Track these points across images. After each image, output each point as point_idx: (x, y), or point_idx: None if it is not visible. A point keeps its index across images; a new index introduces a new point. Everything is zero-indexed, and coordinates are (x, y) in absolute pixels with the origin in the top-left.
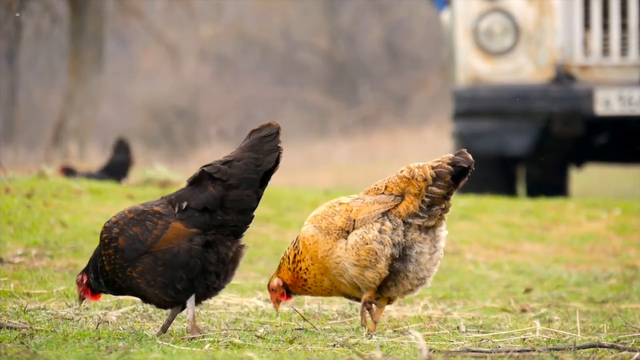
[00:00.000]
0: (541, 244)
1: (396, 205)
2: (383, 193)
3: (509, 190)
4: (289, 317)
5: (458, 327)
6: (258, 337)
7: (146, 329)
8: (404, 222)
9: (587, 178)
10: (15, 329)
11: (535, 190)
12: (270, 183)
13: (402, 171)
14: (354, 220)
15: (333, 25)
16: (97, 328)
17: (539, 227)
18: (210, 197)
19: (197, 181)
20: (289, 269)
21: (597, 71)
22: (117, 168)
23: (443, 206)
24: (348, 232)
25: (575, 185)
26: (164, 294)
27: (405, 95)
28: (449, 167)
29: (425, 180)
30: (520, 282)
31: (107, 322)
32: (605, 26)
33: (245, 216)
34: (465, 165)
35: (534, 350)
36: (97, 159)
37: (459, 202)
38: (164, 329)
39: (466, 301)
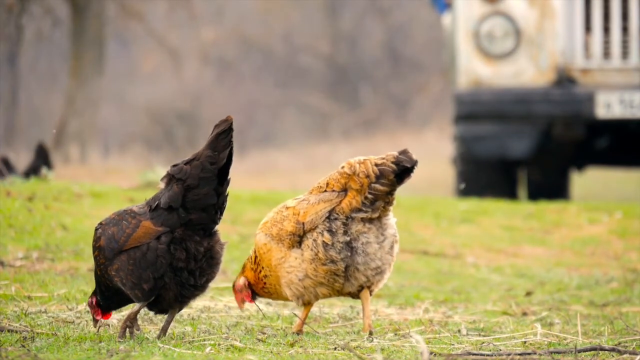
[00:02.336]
0: (542, 247)
1: (340, 202)
2: (325, 190)
3: (510, 193)
4: (290, 320)
5: (459, 330)
6: (259, 340)
7: (147, 332)
8: (347, 217)
9: (588, 181)
10: (16, 332)
11: (537, 193)
12: (271, 185)
13: (342, 167)
14: (303, 224)
15: (334, 28)
16: (97, 331)
17: (540, 230)
18: (173, 195)
19: (168, 182)
20: (252, 268)
21: (598, 74)
22: (35, 173)
23: (387, 200)
24: (300, 237)
25: (577, 189)
26: (133, 295)
27: (406, 98)
28: (393, 165)
29: (367, 176)
30: (522, 285)
31: (108, 325)
32: (606, 29)
33: (208, 213)
34: (409, 165)
35: (535, 354)
36: (99, 161)
37: (460, 205)
38: (164, 331)
39: (467, 304)
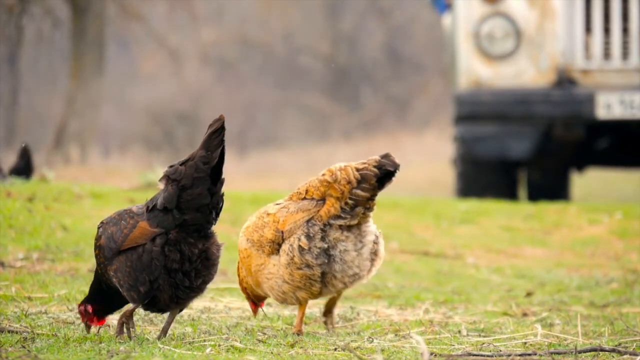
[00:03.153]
0: (542, 248)
1: (318, 211)
2: (305, 198)
3: (510, 194)
4: (291, 321)
5: (459, 331)
6: (259, 341)
7: (147, 333)
8: (325, 224)
9: (588, 182)
10: (17, 332)
11: (537, 194)
12: (271, 186)
13: (323, 174)
14: (282, 232)
15: (335, 29)
16: (98, 332)
17: (540, 231)
18: (168, 196)
19: (166, 182)
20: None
21: (598, 75)
22: (18, 174)
23: (367, 206)
24: (279, 245)
25: (577, 190)
26: (129, 297)
27: (406, 99)
28: (375, 169)
29: (349, 182)
30: (522, 286)
31: (109, 326)
32: (607, 30)
33: (202, 214)
34: (391, 169)
35: (536, 354)
36: (99, 162)
37: (460, 206)
38: (164, 332)
39: (467, 305)
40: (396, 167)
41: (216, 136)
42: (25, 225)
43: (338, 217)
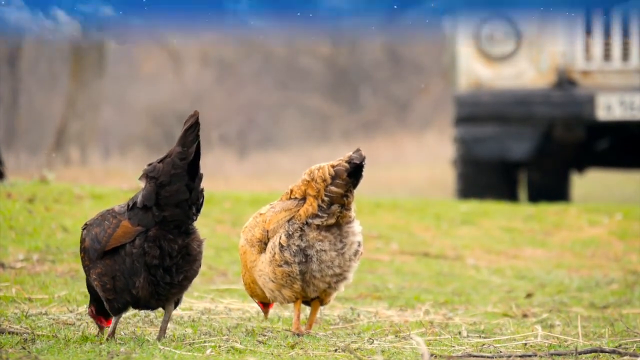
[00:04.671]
0: (543, 249)
1: (298, 210)
2: (290, 198)
3: (510, 195)
4: (291, 322)
5: (460, 332)
6: (260, 342)
7: (147, 334)
8: (303, 223)
9: (588, 183)
10: (17, 334)
11: (537, 195)
12: (271, 187)
13: (304, 174)
14: (267, 231)
15: (335, 30)
16: (98, 333)
17: (540, 232)
18: (147, 194)
19: (146, 180)
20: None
21: (598, 76)
22: None
23: (342, 203)
24: (265, 244)
25: (577, 191)
26: (106, 306)
27: (406, 100)
28: (346, 164)
29: (324, 180)
30: (522, 287)
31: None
32: (607, 31)
33: (182, 209)
34: (357, 162)
35: (536, 355)
36: (99, 163)
37: (460, 207)
38: (163, 331)
39: (468, 306)
40: (362, 159)
41: (191, 132)
42: (26, 226)
43: (316, 215)
